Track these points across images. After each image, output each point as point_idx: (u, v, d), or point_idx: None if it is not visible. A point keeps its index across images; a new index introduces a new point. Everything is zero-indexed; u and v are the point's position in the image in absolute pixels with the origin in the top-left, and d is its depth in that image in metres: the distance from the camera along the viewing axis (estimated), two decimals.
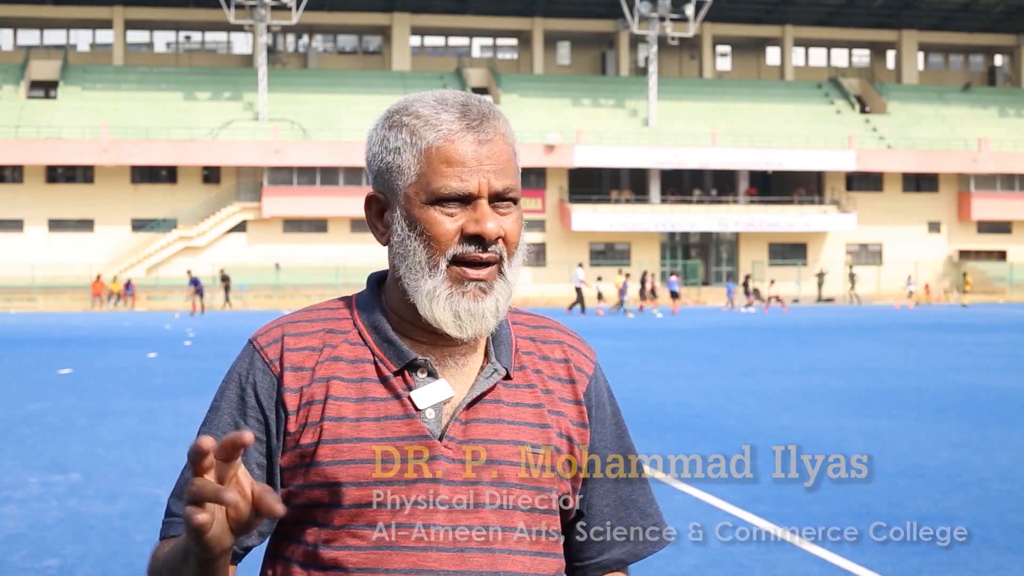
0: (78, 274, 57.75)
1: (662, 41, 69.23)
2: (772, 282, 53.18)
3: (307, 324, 1.68)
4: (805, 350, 23.62)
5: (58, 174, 60.70)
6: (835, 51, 77.78)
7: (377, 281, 1.73)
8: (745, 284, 53.41)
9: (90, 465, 9.62)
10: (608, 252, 64.85)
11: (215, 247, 59.98)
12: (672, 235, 66.33)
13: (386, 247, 1.68)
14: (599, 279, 51.58)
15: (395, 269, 1.66)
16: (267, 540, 1.70)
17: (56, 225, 59.78)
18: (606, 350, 23.84)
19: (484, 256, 1.61)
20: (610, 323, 37.75)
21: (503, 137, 1.64)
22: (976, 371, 18.42)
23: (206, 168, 61.55)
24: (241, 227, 60.49)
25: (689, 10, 65.38)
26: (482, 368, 1.67)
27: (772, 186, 68.16)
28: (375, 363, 1.65)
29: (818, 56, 77.74)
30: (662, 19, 65.88)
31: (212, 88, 64.93)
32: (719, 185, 67.99)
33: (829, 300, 60.45)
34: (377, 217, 1.70)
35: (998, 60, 78.35)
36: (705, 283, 65.24)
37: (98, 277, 54.16)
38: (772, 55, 76.53)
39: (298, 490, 1.63)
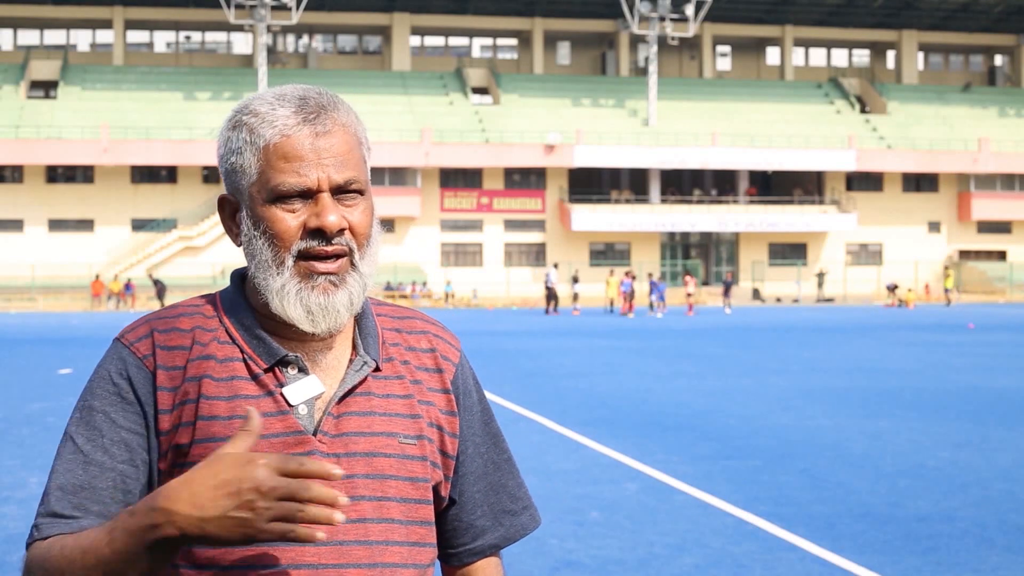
0: (78, 274, 57.78)
1: (662, 41, 69.24)
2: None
3: (175, 321, 1.65)
4: (805, 350, 23.62)
5: (58, 174, 60.71)
6: (835, 51, 77.80)
7: (241, 277, 1.71)
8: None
9: None
10: (608, 252, 64.86)
11: (215, 247, 59.97)
12: (672, 235, 66.34)
13: (240, 248, 1.67)
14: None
15: (249, 268, 1.65)
16: None
17: (56, 225, 59.80)
18: (607, 350, 23.84)
19: (329, 249, 1.59)
20: (610, 323, 37.76)
21: (343, 128, 1.61)
22: (976, 371, 18.42)
23: (206, 168, 61.56)
24: None
25: (689, 10, 65.39)
26: (351, 361, 1.66)
27: (772, 186, 68.17)
28: (244, 361, 1.63)
29: (818, 56, 77.75)
30: (662, 19, 65.90)
31: (212, 88, 64.94)
32: (719, 185, 68.00)
33: (829, 300, 60.46)
34: (230, 219, 1.66)
35: (998, 60, 78.36)
36: (705, 283, 65.25)
37: (97, 277, 54.20)
38: (772, 55, 76.53)
39: None
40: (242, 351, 1.63)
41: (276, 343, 1.63)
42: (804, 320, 38.89)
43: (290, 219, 1.59)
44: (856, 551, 6.60)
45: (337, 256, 1.60)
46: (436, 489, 1.70)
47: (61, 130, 59.10)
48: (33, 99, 63.70)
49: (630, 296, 43.55)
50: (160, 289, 50.68)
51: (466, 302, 57.75)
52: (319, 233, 1.59)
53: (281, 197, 1.59)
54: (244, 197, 1.63)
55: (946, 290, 54.28)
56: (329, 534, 1.56)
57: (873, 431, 11.57)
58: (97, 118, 59.99)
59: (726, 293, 49.02)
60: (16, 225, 59.58)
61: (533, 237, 64.09)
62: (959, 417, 12.65)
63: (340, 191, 1.60)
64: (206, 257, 59.72)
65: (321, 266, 1.60)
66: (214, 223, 59.77)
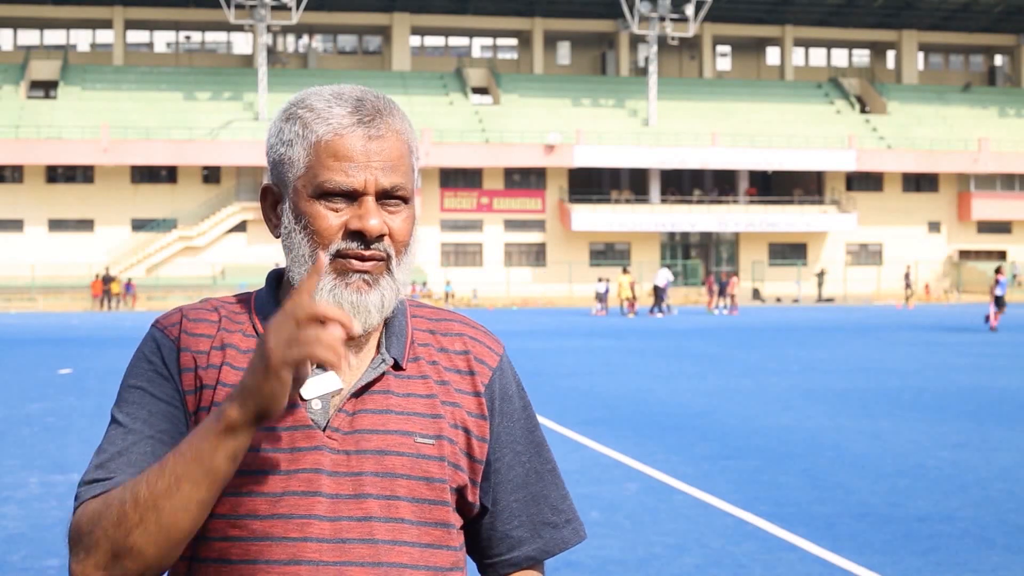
0: (78, 274, 57.78)
1: (662, 41, 69.24)
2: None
3: (206, 312, 1.69)
4: (805, 350, 23.62)
5: (58, 174, 60.71)
6: (835, 51, 77.80)
7: (276, 278, 1.73)
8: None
9: None
10: (608, 252, 64.86)
11: (215, 247, 59.99)
12: (672, 235, 66.34)
13: (279, 239, 1.69)
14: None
15: (286, 260, 1.67)
16: None
17: (56, 225, 59.80)
18: (607, 350, 23.85)
19: (367, 253, 1.60)
20: (610, 323, 37.76)
21: (396, 134, 1.62)
22: (976, 371, 18.42)
23: (206, 168, 61.57)
24: (241, 227, 60.51)
25: (689, 10, 65.39)
26: (372, 360, 1.66)
27: (772, 186, 68.18)
28: None
29: (818, 56, 77.75)
30: (662, 19, 65.89)
31: (212, 88, 64.94)
32: (719, 185, 68.01)
33: (829, 300, 60.47)
34: (271, 209, 1.69)
35: (998, 60, 78.36)
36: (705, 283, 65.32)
37: (97, 277, 54.21)
38: (772, 55, 76.53)
39: None
40: None
41: None
42: (804, 320, 38.89)
43: (332, 217, 1.60)
44: (856, 551, 6.60)
45: (374, 259, 1.61)
46: (463, 493, 1.68)
47: (61, 130, 59.09)
48: (33, 99, 63.70)
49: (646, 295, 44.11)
50: (107, 287, 52.04)
51: (466, 302, 57.74)
52: (359, 235, 1.60)
53: (326, 194, 1.60)
54: (288, 189, 1.64)
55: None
56: (332, 532, 1.57)
57: (873, 431, 11.57)
58: (97, 118, 59.99)
59: (721, 293, 49.04)
60: (16, 225, 59.58)
61: (533, 237, 64.09)
62: (959, 417, 12.65)
63: (385, 196, 1.61)
64: (206, 257, 59.72)
65: (358, 264, 1.60)
66: (214, 223, 59.79)
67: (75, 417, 12.87)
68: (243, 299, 1.72)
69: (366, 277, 1.61)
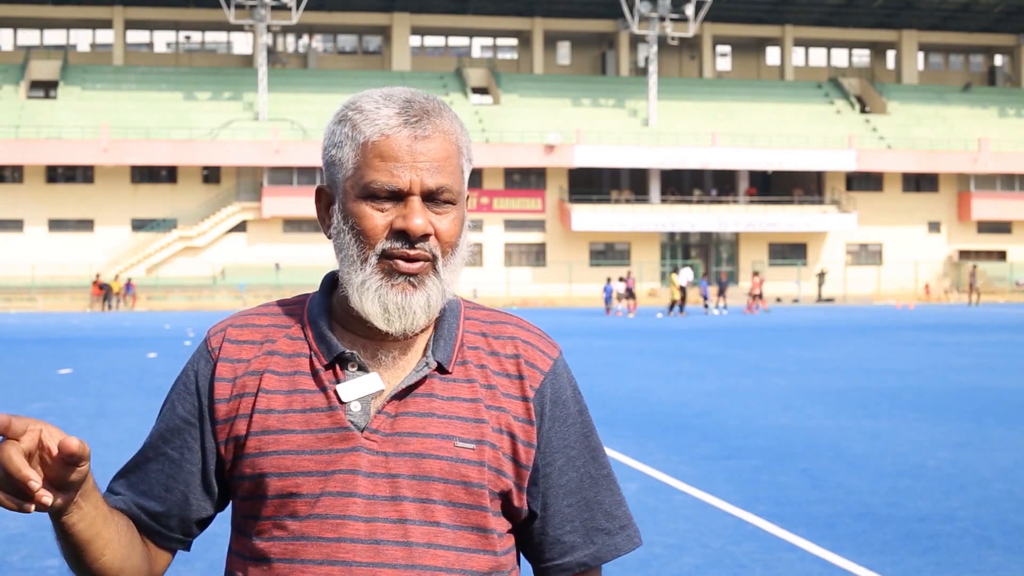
0: (78, 274, 57.78)
1: (662, 41, 69.24)
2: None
3: (255, 317, 1.73)
4: (805, 350, 23.62)
5: (58, 174, 60.71)
6: (835, 51, 77.79)
7: (331, 281, 1.75)
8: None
9: (90, 465, 9.60)
10: (608, 252, 64.86)
11: (215, 247, 59.98)
12: (672, 235, 66.33)
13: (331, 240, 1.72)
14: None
15: (337, 260, 1.70)
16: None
17: (56, 225, 59.79)
18: (607, 350, 23.85)
19: (412, 253, 1.61)
20: (611, 323, 37.74)
21: (444, 135, 1.63)
22: (976, 371, 18.42)
23: (206, 168, 61.56)
24: (241, 227, 60.51)
25: (689, 10, 65.38)
26: (417, 363, 1.68)
27: (772, 186, 68.17)
28: (310, 357, 1.67)
29: (818, 56, 77.75)
30: (662, 19, 65.89)
31: (212, 88, 64.93)
32: (719, 185, 68.00)
33: (829, 300, 60.46)
34: (325, 210, 1.71)
35: (998, 60, 78.36)
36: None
37: (97, 277, 54.20)
38: (772, 55, 76.53)
39: (236, 482, 1.67)
40: (310, 347, 1.68)
41: (337, 341, 1.67)
42: (804, 320, 38.89)
43: (378, 217, 1.62)
44: (856, 551, 6.60)
45: (420, 260, 1.62)
46: (508, 498, 1.68)
47: (61, 130, 59.09)
48: (33, 99, 63.69)
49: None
50: (107, 292, 52.25)
51: None
52: (403, 235, 1.61)
53: (372, 195, 1.62)
54: (339, 190, 1.67)
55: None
56: (367, 533, 1.60)
57: (873, 431, 11.57)
58: (97, 118, 59.99)
59: (721, 293, 49.05)
60: (16, 225, 59.58)
61: (533, 237, 64.09)
62: (959, 417, 12.65)
63: (431, 197, 1.62)
64: (206, 257, 59.71)
65: (404, 266, 1.62)
66: (214, 223, 59.79)
67: (75, 417, 12.86)
68: (300, 300, 1.76)
69: (412, 279, 1.62)
